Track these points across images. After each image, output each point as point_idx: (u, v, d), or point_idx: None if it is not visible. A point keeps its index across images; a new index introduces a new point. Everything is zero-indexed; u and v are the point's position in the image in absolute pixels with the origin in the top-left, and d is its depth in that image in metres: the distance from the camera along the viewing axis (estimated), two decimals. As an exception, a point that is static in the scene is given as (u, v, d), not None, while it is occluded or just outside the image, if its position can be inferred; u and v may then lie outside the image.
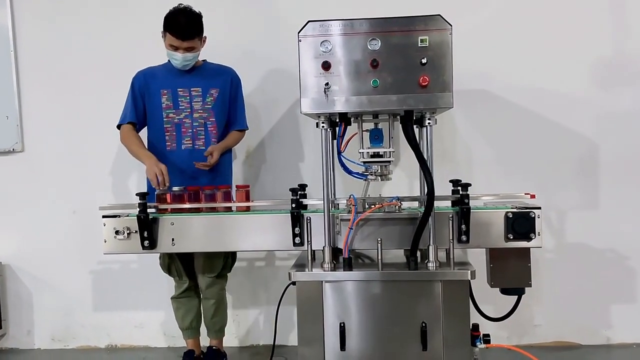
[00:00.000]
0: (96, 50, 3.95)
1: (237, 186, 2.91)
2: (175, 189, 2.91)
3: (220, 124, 3.37)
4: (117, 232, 2.78)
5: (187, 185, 3.00)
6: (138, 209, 2.75)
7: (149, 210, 2.77)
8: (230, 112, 3.42)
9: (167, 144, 3.33)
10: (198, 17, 3.19)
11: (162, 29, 3.18)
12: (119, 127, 3.36)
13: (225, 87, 3.37)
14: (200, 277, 3.43)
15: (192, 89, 3.32)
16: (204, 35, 3.24)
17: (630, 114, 3.70)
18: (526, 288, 2.75)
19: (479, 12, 3.71)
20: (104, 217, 2.83)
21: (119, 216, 2.82)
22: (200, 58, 3.37)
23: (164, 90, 3.31)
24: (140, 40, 3.86)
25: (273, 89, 3.86)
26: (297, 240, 2.70)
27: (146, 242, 2.76)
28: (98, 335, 4.07)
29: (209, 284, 3.41)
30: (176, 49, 3.17)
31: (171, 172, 3.09)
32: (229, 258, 3.45)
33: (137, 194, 2.78)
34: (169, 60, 3.32)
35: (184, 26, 3.12)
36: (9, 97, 3.99)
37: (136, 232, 2.77)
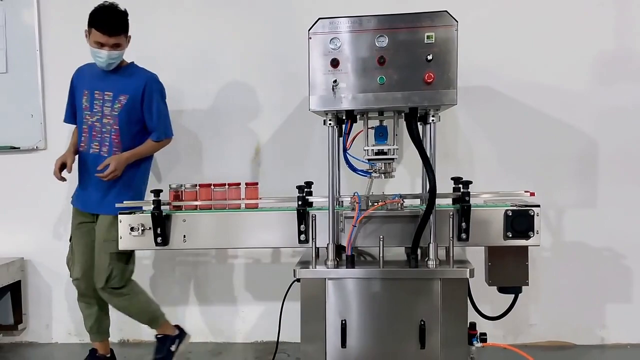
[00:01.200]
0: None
1: (246, 183, 2.82)
2: (187, 185, 2.81)
3: (125, 133, 3.09)
4: (132, 229, 2.73)
5: (94, 189, 2.97)
6: (152, 206, 2.69)
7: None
8: (145, 121, 3.14)
9: (81, 144, 3.16)
10: (124, 14, 3.01)
11: (86, 28, 3.01)
12: None
13: (136, 94, 3.08)
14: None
15: (105, 93, 3.09)
16: (129, 34, 3.06)
17: (630, 111, 3.57)
18: (523, 287, 2.65)
19: (481, 8, 3.59)
20: (119, 213, 2.77)
21: (134, 213, 2.77)
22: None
23: (85, 91, 3.13)
24: (159, 41, 3.80)
25: (280, 87, 3.75)
26: (303, 237, 2.62)
27: (159, 239, 2.70)
28: (111, 330, 3.95)
29: (100, 292, 3.14)
30: (102, 45, 2.96)
31: (84, 173, 3.11)
32: (112, 271, 3.09)
33: (151, 191, 2.73)
34: None
35: (111, 21, 2.95)
36: (34, 95, 3.90)
37: (150, 228, 2.71)
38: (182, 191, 2.81)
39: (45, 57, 3.91)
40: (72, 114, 3.23)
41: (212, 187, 2.80)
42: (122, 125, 3.08)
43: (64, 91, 3.69)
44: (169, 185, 2.82)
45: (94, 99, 3.09)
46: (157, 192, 2.70)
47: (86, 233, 3.19)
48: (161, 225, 2.68)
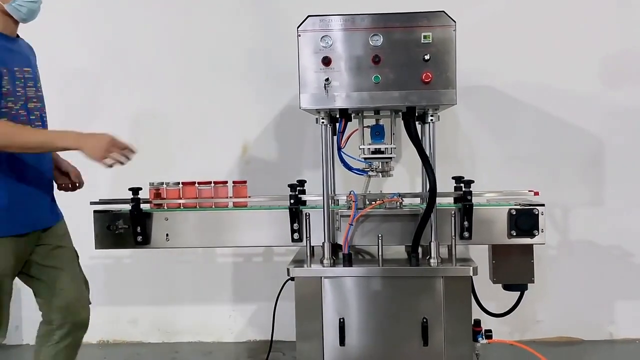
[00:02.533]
0: (100, 48, 3.98)
1: (234, 182, 2.93)
2: (170, 183, 2.90)
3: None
4: (108, 227, 2.80)
5: (44, 195, 2.59)
6: (131, 204, 2.77)
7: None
8: None
9: None
10: None
11: None
12: None
13: (36, 69, 2.60)
14: (77, 312, 2.76)
15: (24, 69, 2.46)
16: None
17: (636, 111, 3.74)
18: (529, 284, 2.81)
19: (483, 6, 3.71)
20: (95, 212, 2.85)
21: (111, 211, 2.84)
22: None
23: (4, 69, 2.36)
24: (146, 35, 3.92)
25: (271, 84, 3.86)
26: (296, 236, 2.75)
27: (139, 238, 2.79)
28: (90, 331, 4.08)
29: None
30: None
31: (22, 181, 2.45)
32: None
33: (129, 189, 2.79)
34: None
35: None
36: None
37: (129, 227, 2.79)
38: (163, 189, 2.88)
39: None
40: None
41: (197, 184, 2.90)
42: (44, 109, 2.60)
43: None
44: (149, 183, 2.90)
45: (16, 79, 2.40)
46: (135, 190, 2.77)
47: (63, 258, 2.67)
48: (141, 224, 2.77)
